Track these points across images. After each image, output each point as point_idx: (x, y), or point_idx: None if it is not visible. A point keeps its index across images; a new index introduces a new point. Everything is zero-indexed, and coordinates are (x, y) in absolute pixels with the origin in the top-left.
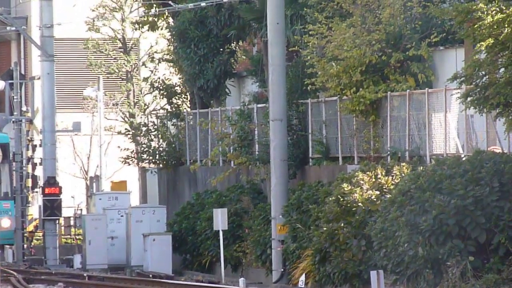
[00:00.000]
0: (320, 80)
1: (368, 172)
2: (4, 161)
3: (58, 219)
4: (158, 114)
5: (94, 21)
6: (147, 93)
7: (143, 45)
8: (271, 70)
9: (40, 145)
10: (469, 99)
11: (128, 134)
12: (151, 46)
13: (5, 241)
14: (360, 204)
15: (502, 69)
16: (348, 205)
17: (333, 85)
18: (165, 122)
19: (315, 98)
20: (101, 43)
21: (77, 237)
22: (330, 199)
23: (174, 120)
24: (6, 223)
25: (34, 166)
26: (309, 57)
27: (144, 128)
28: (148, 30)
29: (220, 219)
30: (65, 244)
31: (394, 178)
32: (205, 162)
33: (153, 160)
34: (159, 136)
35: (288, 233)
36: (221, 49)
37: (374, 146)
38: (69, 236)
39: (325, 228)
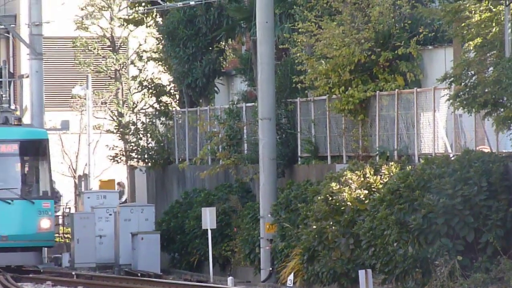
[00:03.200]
0: (309, 78)
1: (356, 171)
2: (43, 158)
3: None
4: (147, 113)
5: (83, 19)
6: (136, 92)
7: (132, 43)
8: (260, 69)
9: None
10: (458, 99)
11: (117, 132)
12: (140, 45)
13: (44, 242)
14: (348, 203)
15: (491, 68)
16: (337, 204)
17: (321, 83)
18: (154, 121)
19: (304, 97)
20: (89, 42)
21: (66, 235)
22: (319, 198)
23: (163, 119)
24: (46, 223)
25: None
26: (298, 55)
27: (132, 127)
28: (136, 27)
29: (209, 218)
30: None
31: (382, 177)
32: (194, 161)
33: (142, 159)
34: (148, 134)
35: (277, 232)
36: (210, 48)
37: (362, 145)
38: (57, 235)
39: (314, 227)
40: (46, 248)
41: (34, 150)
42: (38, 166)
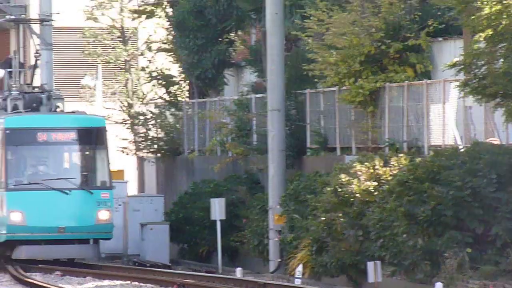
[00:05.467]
0: (318, 68)
1: (366, 163)
2: (101, 146)
3: None
4: (156, 104)
5: (92, 10)
6: (145, 83)
7: (142, 34)
8: (270, 60)
9: None
10: (467, 88)
11: (126, 123)
12: (150, 35)
13: (103, 234)
14: (357, 194)
15: (501, 60)
16: (346, 195)
17: (331, 73)
18: (163, 112)
19: (313, 88)
20: (99, 33)
21: None
22: (328, 189)
23: (172, 110)
24: (105, 215)
25: None
26: (309, 41)
27: (142, 118)
28: (146, 19)
29: (218, 209)
30: None
31: (391, 169)
32: (204, 152)
33: (151, 150)
34: (157, 125)
35: (285, 223)
36: (220, 39)
37: (372, 136)
38: None
39: (322, 218)
40: None
41: (92, 138)
42: (96, 155)
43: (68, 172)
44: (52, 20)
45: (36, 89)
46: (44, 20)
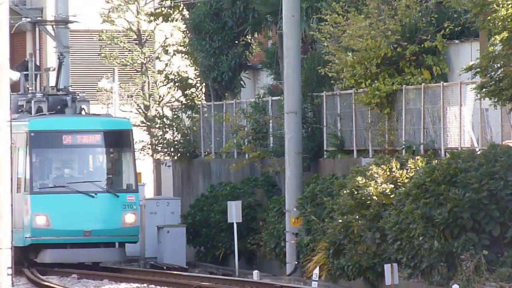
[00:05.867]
0: (335, 69)
1: (382, 165)
2: (127, 149)
3: None
4: (173, 106)
5: (109, 12)
6: (162, 85)
7: (158, 37)
8: (286, 63)
9: None
10: (483, 90)
11: (143, 126)
12: (166, 38)
13: (129, 238)
14: (374, 197)
15: None
16: (363, 198)
17: (347, 75)
18: (180, 114)
19: (330, 91)
20: (115, 35)
21: None
22: (345, 192)
23: (189, 112)
24: (131, 218)
25: None
26: (325, 44)
27: (158, 120)
28: (162, 21)
29: (234, 211)
30: None
31: (408, 171)
32: (220, 154)
33: (168, 152)
34: (174, 128)
35: (302, 225)
36: (236, 42)
37: (388, 139)
38: None
39: (339, 221)
40: None
41: (118, 141)
42: (122, 158)
43: (94, 175)
44: (75, 22)
45: (60, 92)
46: (64, 22)
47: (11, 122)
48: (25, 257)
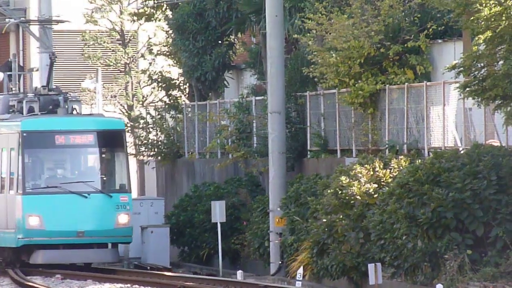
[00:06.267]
0: (319, 70)
1: (366, 165)
2: (120, 149)
3: None
4: (156, 106)
5: (92, 13)
6: (145, 85)
7: (141, 37)
8: (270, 63)
9: None
10: (467, 90)
11: (126, 126)
12: (150, 38)
13: (121, 239)
14: (358, 197)
15: (501, 62)
16: (346, 197)
17: (331, 75)
18: (163, 114)
19: (313, 90)
20: (99, 36)
21: None
22: (328, 191)
23: (172, 112)
24: (124, 218)
25: None
26: (309, 43)
27: (142, 121)
28: (145, 21)
29: (218, 211)
30: None
31: (392, 171)
32: (204, 154)
33: (151, 153)
34: (157, 128)
35: (286, 225)
36: (220, 41)
37: (372, 139)
38: None
39: (323, 221)
40: None
41: (111, 141)
42: (115, 158)
43: (87, 175)
44: (67, 21)
45: (52, 92)
46: (52, 21)
47: (2, 122)
48: (17, 258)
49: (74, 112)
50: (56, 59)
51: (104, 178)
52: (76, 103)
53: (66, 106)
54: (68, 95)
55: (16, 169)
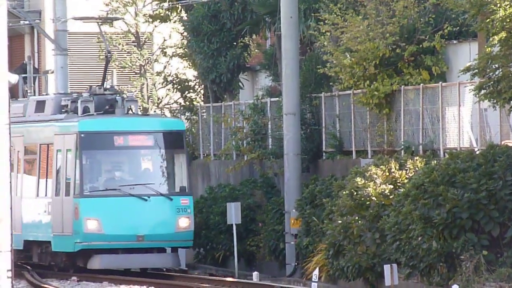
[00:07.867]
0: (333, 70)
1: (381, 166)
2: (180, 150)
3: None
4: (172, 108)
5: (107, 15)
6: (161, 87)
7: (157, 39)
8: (285, 64)
9: None
10: (482, 92)
11: None
12: (165, 40)
13: (182, 243)
14: (373, 198)
15: None
16: (362, 199)
17: (346, 76)
18: (179, 116)
19: (328, 92)
20: (114, 38)
21: None
22: (344, 193)
23: (188, 114)
24: (185, 222)
25: None
26: (325, 43)
27: None
28: (160, 23)
29: (234, 213)
30: None
31: (407, 172)
32: (219, 155)
33: None
34: None
35: (302, 227)
36: (234, 43)
37: (387, 140)
38: None
39: (339, 222)
40: None
41: (172, 142)
42: (175, 160)
43: (147, 178)
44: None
45: (107, 91)
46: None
47: (57, 123)
48: (72, 263)
49: (130, 112)
50: (71, 61)
51: (164, 180)
52: (133, 102)
53: (123, 106)
54: (124, 94)
55: (73, 171)
